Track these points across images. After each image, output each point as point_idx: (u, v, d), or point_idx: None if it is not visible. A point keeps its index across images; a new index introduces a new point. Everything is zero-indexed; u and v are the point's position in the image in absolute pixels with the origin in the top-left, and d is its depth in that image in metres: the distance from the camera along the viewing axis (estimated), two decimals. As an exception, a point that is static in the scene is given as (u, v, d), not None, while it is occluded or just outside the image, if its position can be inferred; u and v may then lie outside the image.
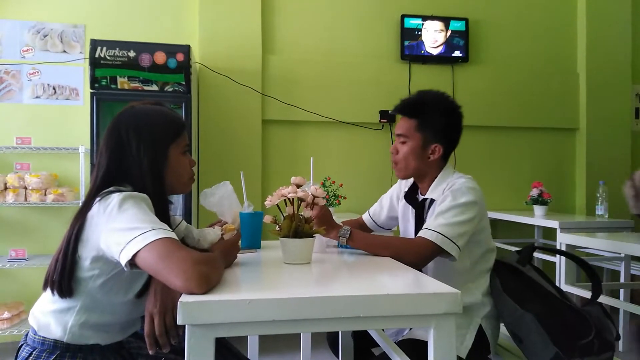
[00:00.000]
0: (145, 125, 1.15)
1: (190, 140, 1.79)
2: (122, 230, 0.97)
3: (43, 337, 1.08)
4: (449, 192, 1.42)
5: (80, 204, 1.10)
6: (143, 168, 1.12)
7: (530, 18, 3.68)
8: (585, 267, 1.55)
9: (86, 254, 1.04)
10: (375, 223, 1.77)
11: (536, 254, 3.22)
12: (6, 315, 2.65)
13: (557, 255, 2.73)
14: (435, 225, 1.36)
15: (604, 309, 1.41)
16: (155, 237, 0.95)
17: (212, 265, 0.97)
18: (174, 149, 1.18)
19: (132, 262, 0.96)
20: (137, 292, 1.12)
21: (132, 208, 1.00)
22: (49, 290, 1.08)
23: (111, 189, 1.07)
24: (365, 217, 1.80)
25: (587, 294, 1.53)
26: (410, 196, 1.60)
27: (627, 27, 3.74)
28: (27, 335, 1.13)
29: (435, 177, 1.52)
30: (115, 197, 1.02)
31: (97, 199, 1.04)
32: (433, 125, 1.50)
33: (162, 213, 1.12)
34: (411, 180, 1.63)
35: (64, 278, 1.04)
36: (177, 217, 1.46)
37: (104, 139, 1.15)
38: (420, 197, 1.56)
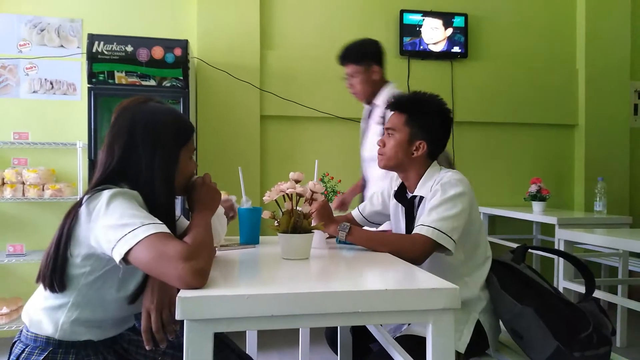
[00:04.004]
0: (161, 127, 1.13)
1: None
2: (112, 227, 0.97)
3: (35, 333, 1.08)
4: (438, 186, 1.44)
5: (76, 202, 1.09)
6: (154, 170, 1.10)
7: (530, 14, 3.67)
8: (578, 264, 1.57)
9: (77, 251, 1.04)
10: (366, 219, 1.79)
11: (535, 251, 3.22)
12: (4, 310, 2.65)
13: (555, 252, 2.74)
14: (429, 221, 1.38)
15: (599, 304, 1.42)
16: (146, 233, 0.94)
17: (203, 250, 0.96)
18: (184, 152, 1.16)
19: (125, 259, 0.95)
20: (130, 295, 1.10)
21: (122, 204, 1.00)
22: (42, 287, 1.08)
23: (102, 186, 1.06)
24: (355, 213, 1.81)
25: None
26: (400, 194, 1.63)
27: (626, 24, 3.74)
28: (21, 331, 1.12)
29: (421, 175, 1.54)
30: (105, 194, 1.01)
31: (87, 196, 1.04)
32: (421, 122, 1.53)
33: (169, 215, 1.11)
34: (400, 179, 1.65)
35: (55, 274, 1.04)
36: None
37: (113, 136, 1.11)
38: (409, 195, 1.58)
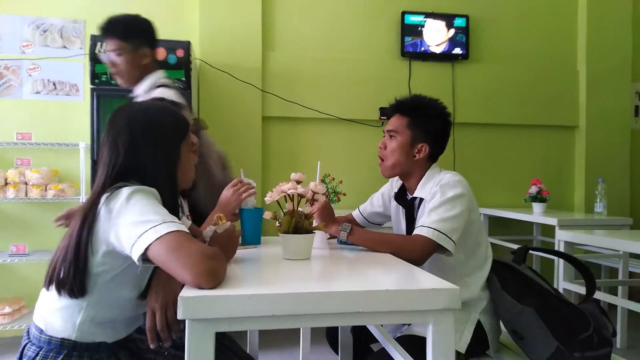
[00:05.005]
0: (159, 123, 1.14)
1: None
2: (134, 223, 0.97)
3: (50, 336, 1.06)
4: (437, 187, 1.46)
5: (86, 202, 1.07)
6: (158, 166, 1.11)
7: (531, 15, 3.67)
8: (578, 265, 1.57)
9: (97, 250, 1.03)
10: (366, 220, 1.80)
11: (536, 252, 3.23)
12: (7, 310, 2.66)
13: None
14: (429, 222, 1.39)
15: (599, 306, 1.43)
16: (167, 230, 0.95)
17: (221, 260, 0.98)
18: (184, 147, 1.18)
19: (144, 257, 0.95)
20: (143, 294, 1.11)
21: (142, 201, 1.00)
22: (53, 290, 1.05)
23: (119, 184, 1.06)
24: (356, 213, 1.83)
25: (585, 291, 1.55)
26: (400, 196, 1.64)
27: (628, 25, 3.74)
28: (28, 332, 1.11)
29: (421, 177, 1.55)
30: (125, 191, 1.01)
31: (106, 194, 1.03)
32: (423, 126, 1.54)
33: (173, 211, 1.11)
34: (401, 181, 1.65)
35: (76, 279, 1.02)
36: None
37: (115, 135, 1.12)
38: (409, 197, 1.59)
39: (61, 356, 1.05)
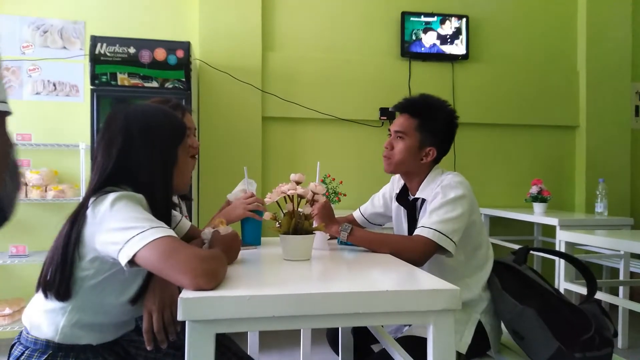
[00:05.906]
0: (156, 127, 1.13)
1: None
2: (119, 229, 0.97)
3: (35, 337, 1.07)
4: (439, 188, 1.45)
5: (78, 205, 1.07)
6: (154, 170, 1.11)
7: (531, 15, 3.67)
8: (579, 266, 1.57)
9: (83, 254, 1.03)
10: (367, 220, 1.80)
11: (537, 252, 3.22)
12: (7, 311, 2.66)
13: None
14: (430, 223, 1.38)
15: (601, 306, 1.42)
16: (155, 236, 0.94)
17: (218, 260, 0.97)
18: (182, 150, 1.17)
19: (131, 261, 0.95)
20: (132, 298, 1.09)
21: (127, 207, 1.00)
22: (41, 292, 1.06)
23: (107, 188, 1.05)
24: (356, 214, 1.83)
25: (586, 291, 1.55)
26: (402, 197, 1.63)
27: (627, 25, 3.74)
28: (20, 333, 1.12)
29: (424, 178, 1.54)
30: (110, 197, 1.01)
31: (92, 199, 1.03)
32: (433, 129, 1.53)
33: (166, 214, 1.11)
34: (402, 181, 1.65)
35: (62, 283, 1.02)
36: (176, 215, 1.46)
37: (109, 139, 1.11)
38: (411, 198, 1.58)
39: (45, 356, 1.05)
